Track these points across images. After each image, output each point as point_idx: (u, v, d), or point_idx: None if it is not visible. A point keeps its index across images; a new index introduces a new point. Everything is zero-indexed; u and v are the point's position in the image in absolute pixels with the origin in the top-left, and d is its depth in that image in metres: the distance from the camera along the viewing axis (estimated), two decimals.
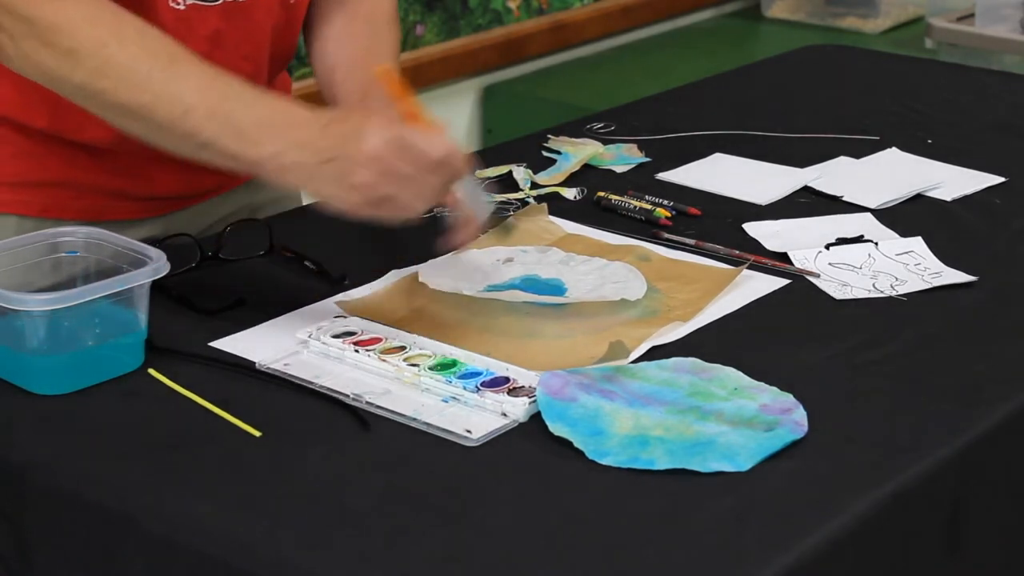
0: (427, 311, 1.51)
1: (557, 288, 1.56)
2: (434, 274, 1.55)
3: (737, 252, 1.65)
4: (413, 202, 1.38)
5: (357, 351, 1.41)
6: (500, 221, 1.70)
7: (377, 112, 1.41)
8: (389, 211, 1.38)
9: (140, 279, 1.39)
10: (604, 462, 1.25)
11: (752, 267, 1.61)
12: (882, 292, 1.57)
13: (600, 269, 1.59)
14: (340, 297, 1.54)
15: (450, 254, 1.60)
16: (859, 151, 1.98)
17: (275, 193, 1.81)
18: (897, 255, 1.65)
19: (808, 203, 1.82)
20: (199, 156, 1.41)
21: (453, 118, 3.37)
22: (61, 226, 1.51)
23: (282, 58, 1.73)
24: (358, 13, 1.74)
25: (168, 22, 1.53)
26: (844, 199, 1.82)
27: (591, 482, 1.23)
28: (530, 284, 1.57)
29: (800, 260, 1.63)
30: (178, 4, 1.54)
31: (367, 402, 1.34)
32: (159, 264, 1.40)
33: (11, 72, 1.47)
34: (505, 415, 1.32)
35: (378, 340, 1.44)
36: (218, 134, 1.38)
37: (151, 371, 1.40)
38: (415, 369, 1.38)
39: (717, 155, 1.97)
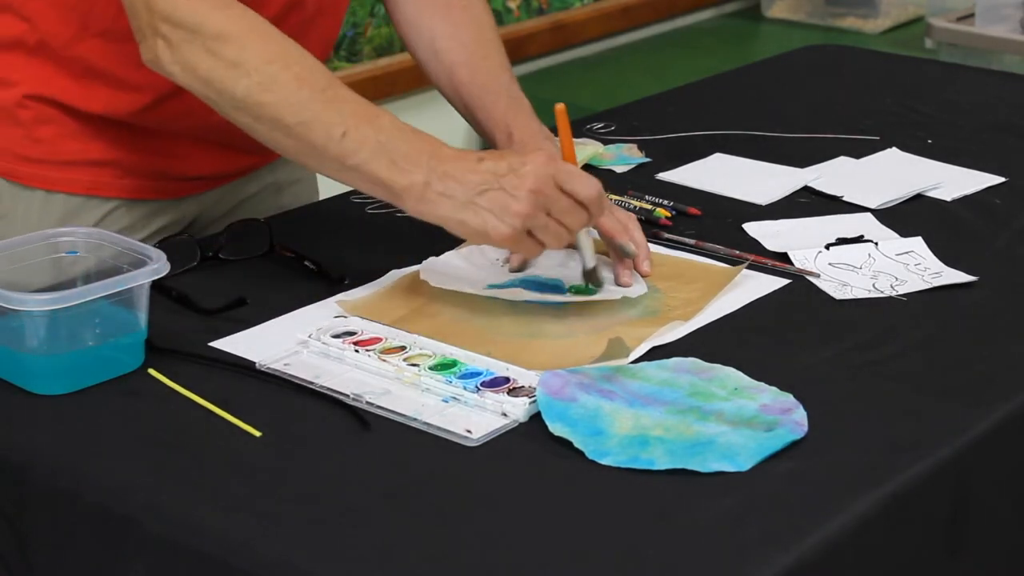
0: (427, 311, 1.51)
1: (557, 287, 1.56)
2: (435, 272, 1.55)
3: (737, 252, 1.65)
4: (559, 235, 1.45)
5: (357, 351, 1.41)
6: None
7: (535, 149, 1.48)
8: (534, 244, 1.45)
9: (140, 279, 1.39)
10: (604, 462, 1.25)
11: (752, 267, 1.61)
12: (882, 292, 1.57)
13: (602, 267, 1.59)
14: (340, 297, 1.54)
15: (450, 252, 1.61)
16: (859, 151, 1.98)
17: (297, 173, 1.85)
18: (897, 255, 1.65)
19: (808, 203, 1.82)
20: (341, 176, 1.47)
21: (453, 118, 3.37)
22: (105, 204, 1.62)
23: (334, 33, 1.75)
24: (455, 2, 1.75)
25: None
26: (844, 199, 1.82)
27: (591, 482, 1.23)
28: (530, 284, 1.57)
29: (800, 260, 1.63)
30: None
31: (367, 402, 1.34)
32: (159, 264, 1.40)
33: (70, 62, 1.52)
34: (505, 415, 1.32)
35: (378, 340, 1.44)
36: (369, 159, 1.43)
37: (151, 371, 1.40)
38: (415, 369, 1.38)
39: (717, 155, 1.97)
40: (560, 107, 1.51)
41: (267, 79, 1.44)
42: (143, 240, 1.69)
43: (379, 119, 1.44)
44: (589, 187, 1.44)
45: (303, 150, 1.46)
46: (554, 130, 1.58)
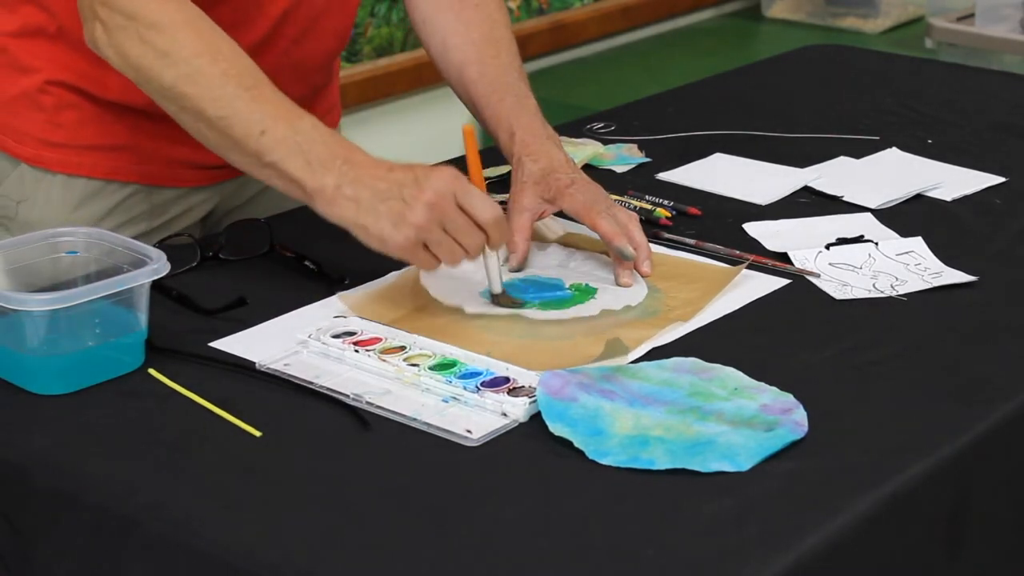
0: (427, 311, 1.51)
1: (558, 287, 1.56)
2: (435, 279, 1.55)
3: (737, 252, 1.65)
4: (452, 252, 1.45)
5: (357, 351, 1.41)
6: None
7: (442, 167, 1.47)
8: (428, 257, 1.45)
9: (140, 279, 1.39)
10: (604, 462, 1.25)
11: (752, 267, 1.61)
12: (882, 292, 1.57)
13: (602, 268, 1.59)
14: (341, 293, 1.54)
15: None
16: (859, 151, 1.98)
17: None
18: (897, 255, 1.65)
19: (808, 203, 1.82)
20: (258, 173, 1.49)
21: (453, 118, 3.37)
22: (123, 189, 1.68)
23: (346, 31, 1.77)
24: (465, 1, 1.76)
25: (242, 5, 1.61)
26: (844, 199, 1.82)
27: (591, 482, 1.23)
28: (530, 283, 1.57)
29: (800, 260, 1.63)
30: None
31: (367, 402, 1.34)
32: (159, 264, 1.40)
33: (87, 49, 1.54)
34: (505, 415, 1.32)
35: (378, 340, 1.44)
36: (285, 158, 1.45)
37: (151, 371, 1.40)
38: (415, 369, 1.38)
39: (717, 155, 1.97)
40: (467, 128, 1.52)
41: (193, 72, 1.47)
42: (162, 226, 1.72)
43: (300, 121, 1.47)
44: (487, 210, 1.44)
45: (224, 144, 1.49)
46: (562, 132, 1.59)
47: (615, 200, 1.75)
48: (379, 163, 1.46)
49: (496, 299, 1.52)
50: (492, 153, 1.99)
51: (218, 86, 1.47)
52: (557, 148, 1.65)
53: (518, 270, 1.59)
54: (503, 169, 1.87)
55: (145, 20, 1.48)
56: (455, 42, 1.75)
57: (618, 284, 1.56)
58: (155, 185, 1.72)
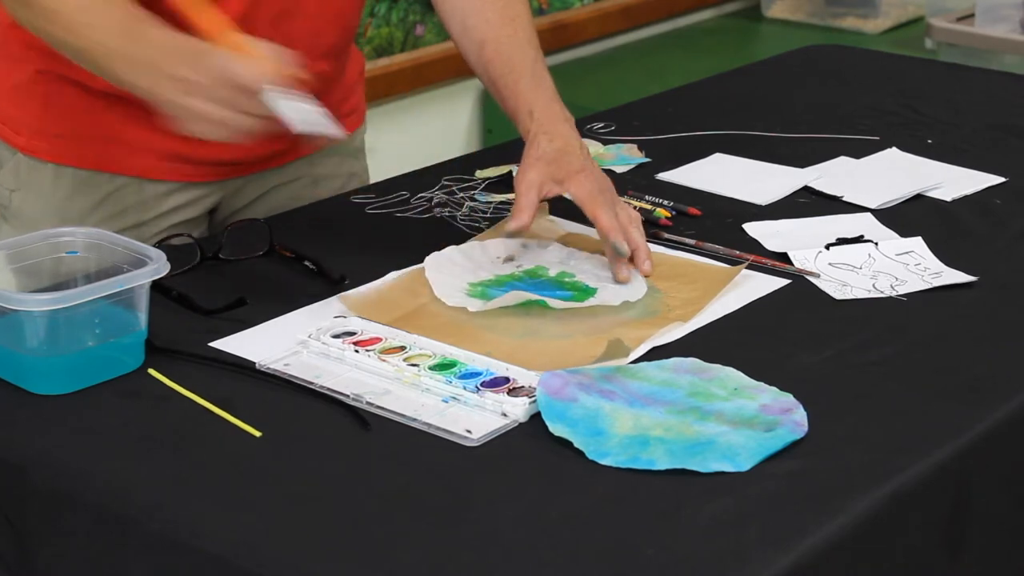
0: (427, 311, 1.51)
1: (558, 286, 1.56)
2: (439, 275, 1.55)
3: (737, 252, 1.65)
4: (210, 112, 1.42)
5: (357, 351, 1.41)
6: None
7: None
8: (196, 118, 1.44)
9: (140, 279, 1.39)
10: (604, 462, 1.25)
11: (752, 267, 1.61)
12: (882, 292, 1.57)
13: (602, 266, 1.59)
14: (342, 294, 1.54)
15: (451, 248, 1.61)
16: (859, 151, 1.98)
17: (334, 168, 1.87)
18: (897, 255, 1.65)
19: (808, 203, 1.82)
20: (116, 80, 1.52)
21: (453, 118, 3.37)
22: (114, 180, 1.68)
23: (344, 28, 1.77)
24: None
25: None
26: (844, 199, 1.82)
27: (591, 482, 1.23)
28: (531, 285, 1.57)
29: (800, 260, 1.63)
30: None
31: (367, 402, 1.34)
32: (159, 264, 1.40)
33: None
34: (505, 415, 1.32)
35: (378, 340, 1.44)
36: (88, 36, 1.50)
37: (151, 371, 1.40)
38: (415, 369, 1.38)
39: (717, 155, 1.97)
40: None
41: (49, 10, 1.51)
42: (154, 220, 1.72)
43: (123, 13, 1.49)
44: (222, 60, 1.42)
45: (81, 59, 1.53)
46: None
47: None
48: (169, 33, 1.46)
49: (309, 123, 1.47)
50: (492, 153, 2.00)
51: (61, 16, 1.50)
52: (573, 131, 1.65)
53: (511, 259, 1.58)
54: (503, 169, 1.87)
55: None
56: (473, 22, 1.75)
57: (616, 280, 1.56)
58: (146, 178, 1.72)
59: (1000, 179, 1.88)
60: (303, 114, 1.44)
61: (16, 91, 1.70)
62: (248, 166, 1.77)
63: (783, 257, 1.65)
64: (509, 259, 1.62)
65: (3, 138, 1.72)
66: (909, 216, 1.77)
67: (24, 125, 1.71)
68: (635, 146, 1.99)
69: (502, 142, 2.12)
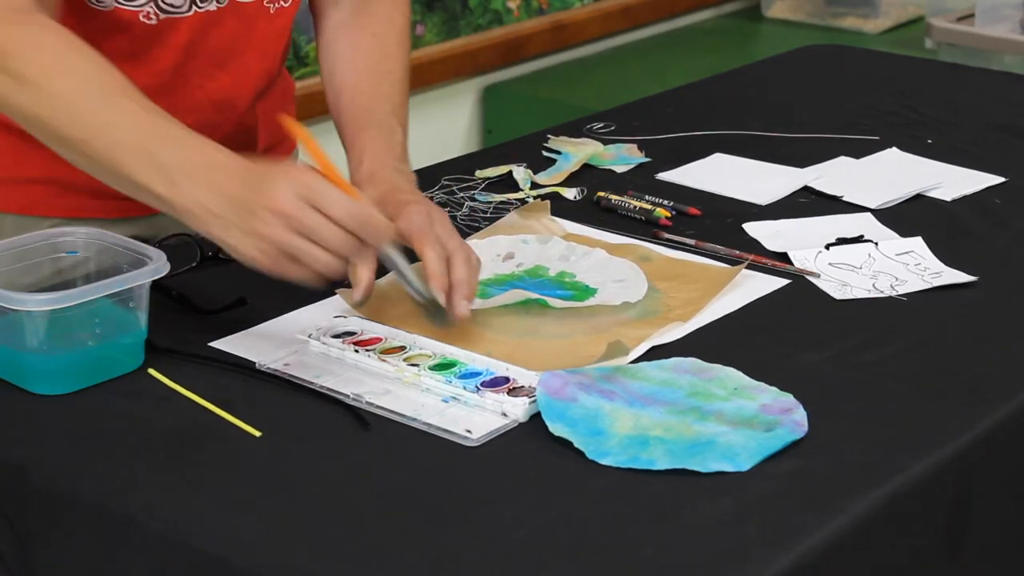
0: None
1: (559, 286, 1.56)
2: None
3: (737, 252, 1.65)
4: (318, 260, 1.34)
5: (357, 351, 1.41)
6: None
7: (291, 167, 1.39)
8: (295, 268, 1.36)
9: (140, 279, 1.39)
10: (604, 462, 1.25)
11: (752, 267, 1.61)
12: (882, 292, 1.57)
13: (602, 265, 1.59)
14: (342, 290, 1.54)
15: None
16: (859, 151, 1.98)
17: None
18: (897, 255, 1.65)
19: (808, 203, 1.82)
20: (139, 196, 1.41)
21: (453, 118, 3.38)
22: (43, 224, 1.55)
23: (268, 67, 1.71)
24: (367, 28, 1.74)
25: (140, 36, 1.56)
26: (844, 199, 1.82)
27: (591, 482, 1.23)
28: (531, 285, 1.56)
29: (800, 260, 1.63)
30: (150, 20, 1.56)
31: (367, 402, 1.34)
32: (159, 264, 1.40)
33: None
34: (505, 415, 1.32)
35: (378, 340, 1.44)
36: (141, 171, 1.38)
37: (151, 371, 1.40)
38: (415, 369, 1.38)
39: (717, 155, 1.97)
40: (286, 119, 1.42)
41: (43, 93, 1.41)
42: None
43: (154, 128, 1.39)
44: (341, 204, 1.32)
45: (94, 167, 1.42)
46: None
47: (615, 200, 1.75)
48: (236, 165, 1.37)
49: (427, 309, 1.45)
50: (492, 153, 2.00)
51: (68, 105, 1.40)
52: (402, 177, 1.59)
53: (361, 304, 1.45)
54: (503, 169, 1.87)
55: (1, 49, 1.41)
56: (340, 68, 1.72)
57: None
58: (80, 218, 1.61)
59: (1000, 179, 1.88)
60: (418, 287, 1.44)
61: None
62: None
63: (783, 257, 1.65)
64: (509, 257, 1.62)
65: None
66: (909, 216, 1.77)
67: None
68: (635, 146, 1.99)
69: (502, 142, 2.12)
